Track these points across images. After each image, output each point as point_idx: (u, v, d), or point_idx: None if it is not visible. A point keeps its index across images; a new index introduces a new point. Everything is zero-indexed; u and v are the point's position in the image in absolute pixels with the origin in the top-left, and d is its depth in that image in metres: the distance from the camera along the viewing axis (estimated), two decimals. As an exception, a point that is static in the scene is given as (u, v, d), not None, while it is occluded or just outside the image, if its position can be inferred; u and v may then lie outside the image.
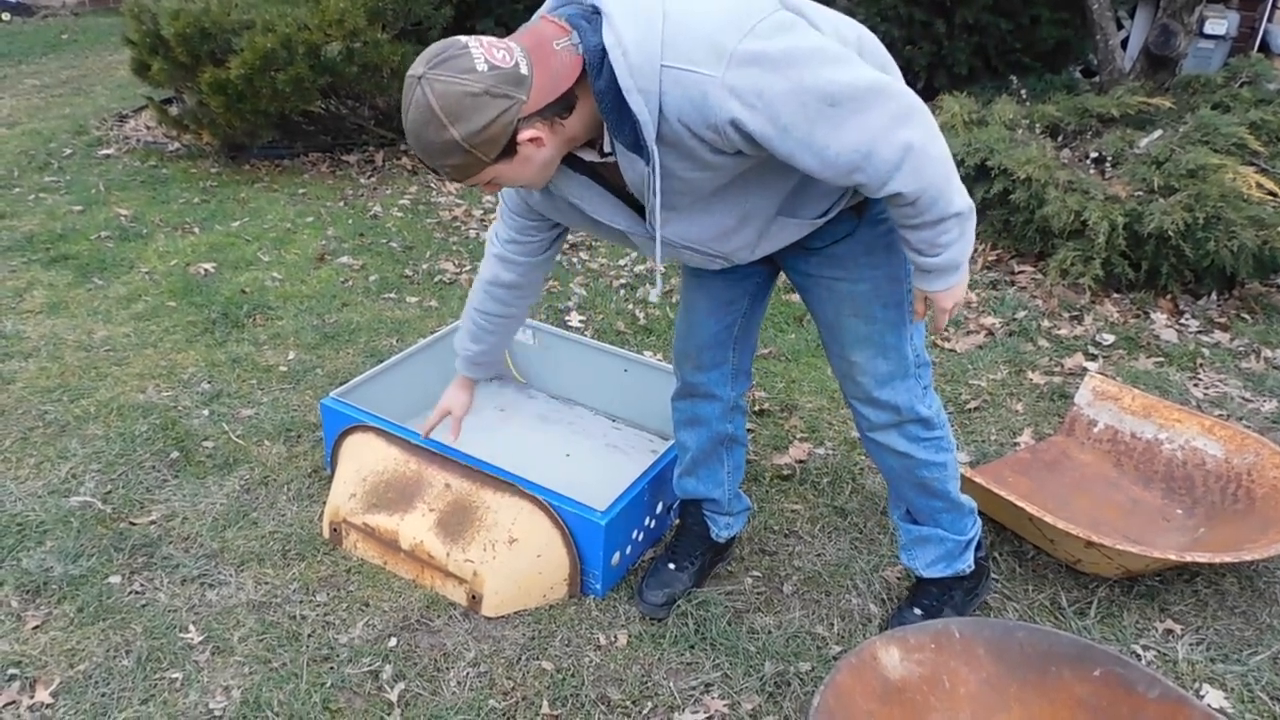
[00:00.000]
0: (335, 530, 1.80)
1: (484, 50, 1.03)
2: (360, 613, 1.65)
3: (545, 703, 1.48)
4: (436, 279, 3.02)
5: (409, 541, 1.70)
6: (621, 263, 3.17)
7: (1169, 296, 2.85)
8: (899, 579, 1.75)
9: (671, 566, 1.69)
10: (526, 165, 1.10)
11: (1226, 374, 2.48)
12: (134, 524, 1.85)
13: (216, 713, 1.45)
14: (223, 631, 1.60)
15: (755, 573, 1.77)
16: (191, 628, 1.60)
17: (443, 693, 1.50)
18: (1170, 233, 2.65)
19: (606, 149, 1.14)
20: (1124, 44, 4.42)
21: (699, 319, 1.52)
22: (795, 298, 2.91)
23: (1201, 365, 2.52)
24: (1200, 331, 2.70)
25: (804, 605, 1.69)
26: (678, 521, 1.78)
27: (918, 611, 1.59)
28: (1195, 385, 2.42)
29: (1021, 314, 2.78)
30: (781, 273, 1.50)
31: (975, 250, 3.17)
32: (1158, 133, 3.07)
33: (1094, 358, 2.56)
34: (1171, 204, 2.69)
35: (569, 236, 3.23)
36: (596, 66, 1.05)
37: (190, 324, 2.67)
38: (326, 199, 3.72)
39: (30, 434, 2.13)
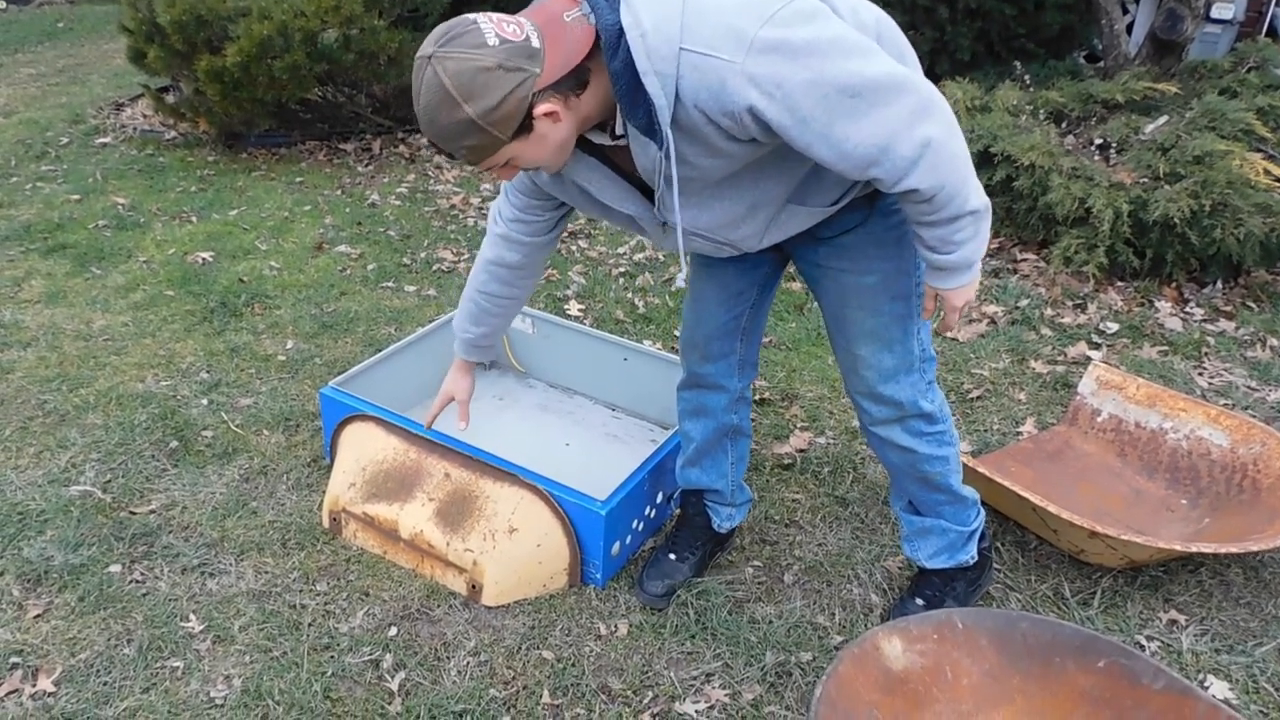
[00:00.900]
0: (335, 520, 1.79)
1: (494, 25, 1.01)
2: (360, 602, 1.65)
3: (546, 692, 1.48)
4: (434, 267, 3.00)
5: (409, 531, 1.69)
6: (621, 251, 3.15)
7: (1174, 285, 2.83)
8: (900, 569, 1.74)
9: (672, 557, 1.69)
10: (543, 144, 1.08)
11: (1232, 363, 2.46)
12: (134, 513, 1.85)
13: (218, 701, 1.45)
14: (223, 620, 1.60)
15: (756, 562, 1.76)
16: (192, 617, 1.60)
17: (443, 682, 1.50)
18: (1176, 220, 2.63)
19: (619, 131, 1.12)
20: (1129, 29, 4.38)
21: (708, 309, 1.51)
22: (796, 286, 2.89)
23: (1207, 354, 2.50)
24: (1205, 320, 2.68)
25: (805, 595, 1.68)
26: (678, 511, 1.77)
27: (920, 602, 1.59)
28: (1200, 374, 2.41)
29: (1024, 302, 2.76)
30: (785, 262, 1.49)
31: (978, 238, 3.15)
32: (1163, 119, 3.04)
33: (1097, 346, 2.54)
34: (1177, 191, 2.67)
35: (568, 223, 3.21)
36: (613, 46, 1.03)
37: (188, 313, 2.65)
38: (324, 187, 3.70)
39: (30, 423, 2.13)
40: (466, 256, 3.09)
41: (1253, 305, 2.76)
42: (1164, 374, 2.40)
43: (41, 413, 2.17)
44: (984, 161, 3.04)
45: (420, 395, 2.21)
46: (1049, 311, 2.72)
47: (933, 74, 4.27)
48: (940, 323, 1.31)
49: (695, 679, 1.51)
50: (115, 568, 1.70)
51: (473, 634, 1.58)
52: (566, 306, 2.74)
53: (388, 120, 4.29)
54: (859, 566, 1.75)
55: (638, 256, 3.11)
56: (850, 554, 1.78)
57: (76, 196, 3.51)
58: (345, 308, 2.71)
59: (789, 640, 1.58)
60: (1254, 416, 2.21)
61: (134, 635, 1.56)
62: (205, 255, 3.03)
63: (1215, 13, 4.11)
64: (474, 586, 1.63)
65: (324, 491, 1.89)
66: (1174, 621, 1.62)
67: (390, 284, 2.88)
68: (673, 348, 2.48)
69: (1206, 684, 1.50)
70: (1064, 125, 3.24)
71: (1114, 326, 2.63)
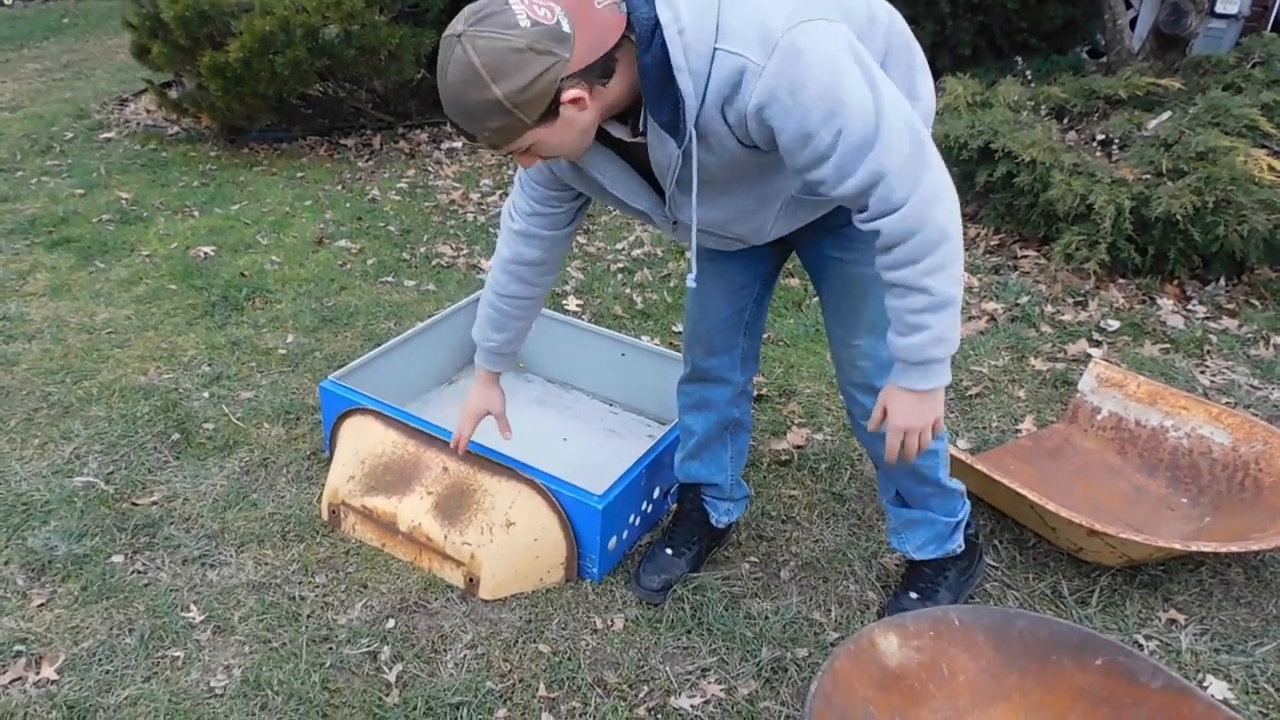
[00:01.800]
0: (334, 512, 1.80)
1: (525, 7, 0.99)
2: (359, 594, 1.65)
3: (542, 685, 1.49)
4: (434, 262, 3.01)
5: (407, 524, 1.70)
6: (619, 246, 3.15)
7: (1176, 282, 2.82)
8: (897, 565, 1.74)
9: (669, 552, 1.69)
10: (567, 130, 1.06)
11: (1234, 361, 2.45)
12: (136, 504, 1.86)
13: (217, 691, 1.46)
14: (223, 611, 1.61)
15: (752, 558, 1.76)
16: (193, 607, 1.61)
17: (440, 674, 1.50)
18: (1178, 216, 2.61)
19: (641, 127, 1.10)
20: (1132, 23, 4.35)
21: (712, 303, 1.50)
22: (794, 282, 2.89)
23: (1209, 352, 2.49)
24: (1208, 318, 2.67)
25: (801, 591, 1.68)
26: (675, 506, 1.77)
27: (913, 595, 1.59)
28: (1202, 372, 2.40)
29: (1024, 299, 2.75)
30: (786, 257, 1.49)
31: (979, 234, 3.14)
32: (1166, 114, 3.02)
33: (1098, 344, 2.53)
34: (1180, 187, 2.65)
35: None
36: (646, 40, 1.02)
37: (190, 306, 2.66)
38: (324, 182, 3.71)
39: (34, 415, 2.14)
40: (465, 252, 3.10)
41: (1256, 303, 2.75)
42: (1165, 372, 2.39)
43: (46, 404, 2.18)
44: (984, 157, 3.03)
45: (419, 389, 2.22)
46: (1049, 308, 2.71)
47: (934, 69, 4.25)
48: (883, 446, 1.24)
49: (691, 674, 1.51)
50: (117, 558, 1.71)
51: (470, 627, 1.59)
52: (565, 302, 2.74)
53: (388, 116, 4.29)
54: (855, 563, 1.75)
55: (636, 252, 3.11)
56: (847, 550, 1.78)
57: (81, 191, 3.52)
58: (345, 302, 2.72)
59: (785, 636, 1.58)
60: (1256, 415, 2.20)
61: (136, 625, 1.57)
62: (207, 249, 3.04)
63: (1220, 7, 4.08)
64: (471, 580, 1.64)
65: (323, 484, 1.89)
66: (1173, 620, 1.62)
67: (390, 279, 2.89)
68: (671, 343, 2.48)
69: (1206, 684, 1.49)
70: (1066, 121, 3.22)
71: (1115, 324, 2.62)
